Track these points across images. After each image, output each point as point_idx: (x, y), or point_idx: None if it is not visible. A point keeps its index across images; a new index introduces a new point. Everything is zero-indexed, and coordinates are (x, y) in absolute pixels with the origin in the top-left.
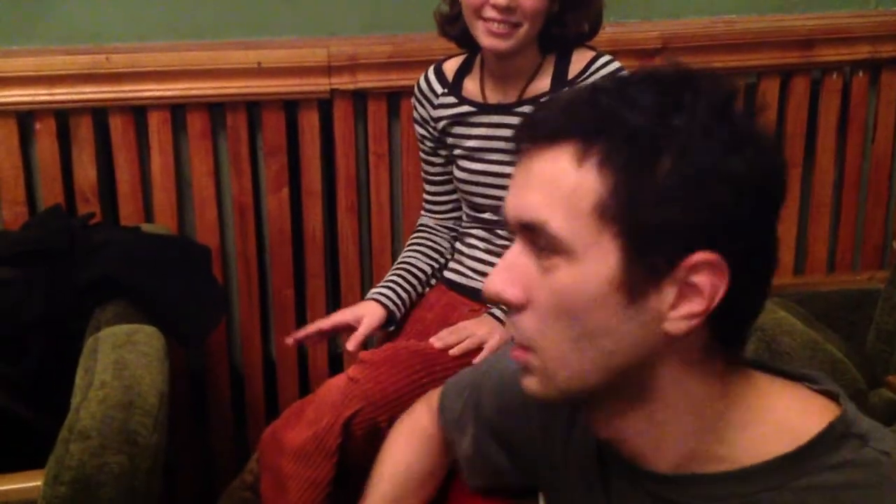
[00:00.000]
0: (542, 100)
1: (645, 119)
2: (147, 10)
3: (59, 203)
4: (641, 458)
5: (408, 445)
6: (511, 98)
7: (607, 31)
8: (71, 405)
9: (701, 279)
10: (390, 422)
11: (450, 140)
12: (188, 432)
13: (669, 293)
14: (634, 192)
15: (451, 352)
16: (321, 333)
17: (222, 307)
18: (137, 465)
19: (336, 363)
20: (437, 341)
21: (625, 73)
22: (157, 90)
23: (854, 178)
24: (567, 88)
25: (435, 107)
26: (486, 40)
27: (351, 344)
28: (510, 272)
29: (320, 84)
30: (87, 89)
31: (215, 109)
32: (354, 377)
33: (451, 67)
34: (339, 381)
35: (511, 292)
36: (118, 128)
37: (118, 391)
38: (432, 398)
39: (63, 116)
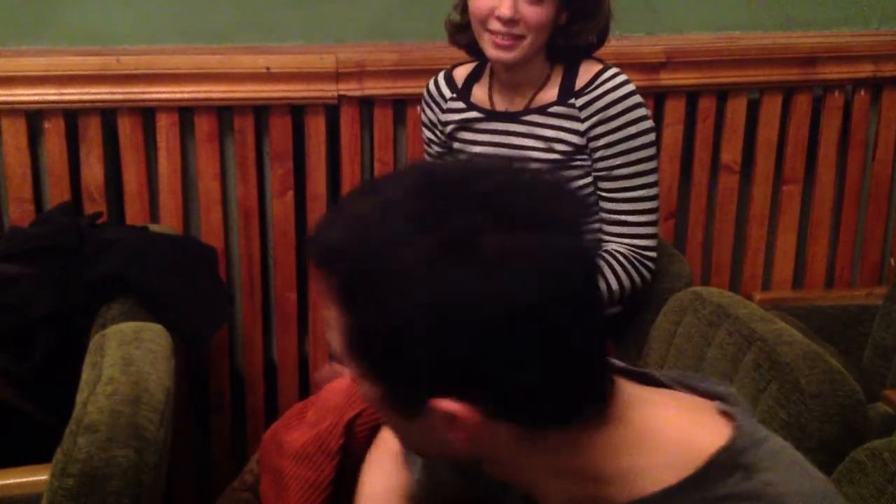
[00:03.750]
0: (548, 109)
1: (370, 259)
2: (158, 13)
3: (69, 201)
4: (538, 496)
5: (382, 466)
6: (518, 107)
7: (612, 45)
8: (77, 400)
9: (452, 417)
10: None
11: (456, 145)
12: (188, 432)
13: (433, 420)
14: (363, 337)
15: None
16: None
17: (227, 308)
18: (144, 459)
19: None
20: None
21: (631, 86)
22: (166, 92)
23: (854, 194)
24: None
25: (443, 111)
26: (491, 51)
27: None
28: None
29: (328, 90)
30: (97, 90)
31: (223, 113)
32: None
33: (461, 74)
34: (341, 383)
35: (347, 372)
36: (126, 129)
37: (126, 386)
38: None
39: (72, 116)
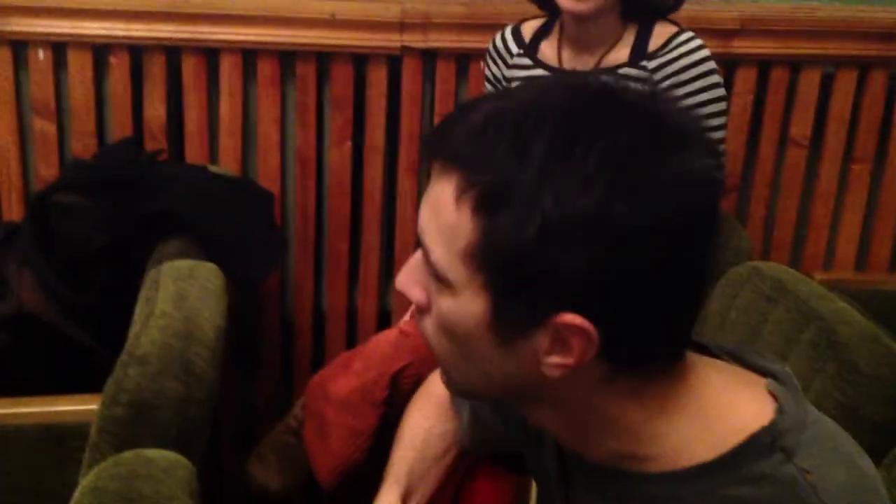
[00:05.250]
0: (618, 70)
1: (525, 168)
2: None
3: (131, 136)
4: (576, 448)
5: (424, 413)
6: (587, 66)
7: (685, 9)
8: (130, 333)
9: (569, 337)
10: None
11: None
12: (234, 374)
13: (541, 341)
14: (500, 244)
15: None
16: None
17: (280, 252)
18: (193, 393)
19: (384, 319)
20: None
21: (706, 51)
22: (231, 34)
23: None
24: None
25: (508, 67)
26: (565, 2)
27: None
28: (414, 274)
29: (391, 40)
30: (163, 28)
31: (286, 58)
32: (406, 331)
33: (529, 29)
34: (389, 334)
35: (415, 293)
36: (190, 68)
37: (178, 321)
38: None
39: (137, 53)
